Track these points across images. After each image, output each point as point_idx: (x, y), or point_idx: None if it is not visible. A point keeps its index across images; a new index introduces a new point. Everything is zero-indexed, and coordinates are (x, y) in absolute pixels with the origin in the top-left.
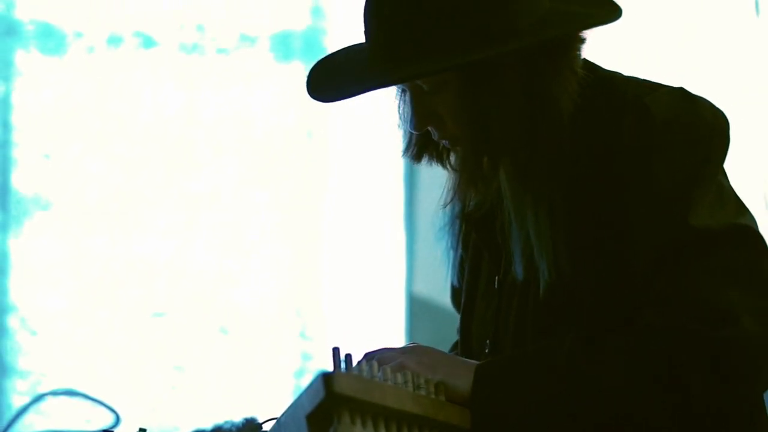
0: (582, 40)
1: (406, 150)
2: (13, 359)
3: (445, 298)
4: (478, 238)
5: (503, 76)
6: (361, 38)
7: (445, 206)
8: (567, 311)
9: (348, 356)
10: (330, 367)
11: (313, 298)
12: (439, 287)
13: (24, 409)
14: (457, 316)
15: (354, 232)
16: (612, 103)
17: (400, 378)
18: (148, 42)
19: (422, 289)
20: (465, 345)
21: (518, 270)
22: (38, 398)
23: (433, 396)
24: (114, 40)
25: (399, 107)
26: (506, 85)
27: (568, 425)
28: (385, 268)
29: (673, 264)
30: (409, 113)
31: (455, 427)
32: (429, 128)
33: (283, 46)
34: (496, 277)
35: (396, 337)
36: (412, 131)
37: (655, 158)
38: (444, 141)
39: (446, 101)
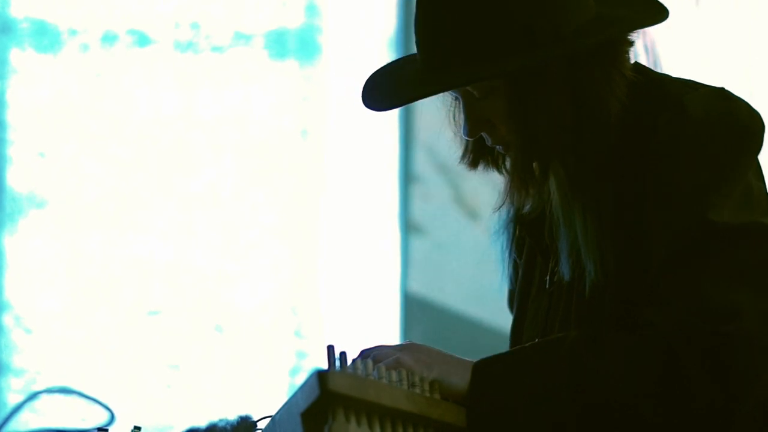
0: (630, 43)
1: (463, 157)
2: (8, 357)
3: (439, 297)
4: (531, 241)
5: (552, 82)
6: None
7: (496, 209)
8: (610, 311)
9: (343, 354)
10: (325, 365)
11: (309, 296)
12: (434, 286)
13: (18, 407)
14: (454, 315)
15: (349, 231)
16: (654, 103)
17: (395, 376)
18: (142, 40)
19: (417, 287)
20: (514, 344)
21: (565, 270)
22: (33, 396)
23: (427, 394)
24: (108, 38)
25: (454, 115)
26: (555, 89)
27: (567, 422)
28: (380, 267)
29: (686, 259)
30: (462, 120)
31: (450, 425)
32: (483, 134)
33: (277, 44)
34: (547, 279)
35: (391, 336)
36: (466, 137)
37: (684, 153)
38: (498, 146)
39: (496, 107)
